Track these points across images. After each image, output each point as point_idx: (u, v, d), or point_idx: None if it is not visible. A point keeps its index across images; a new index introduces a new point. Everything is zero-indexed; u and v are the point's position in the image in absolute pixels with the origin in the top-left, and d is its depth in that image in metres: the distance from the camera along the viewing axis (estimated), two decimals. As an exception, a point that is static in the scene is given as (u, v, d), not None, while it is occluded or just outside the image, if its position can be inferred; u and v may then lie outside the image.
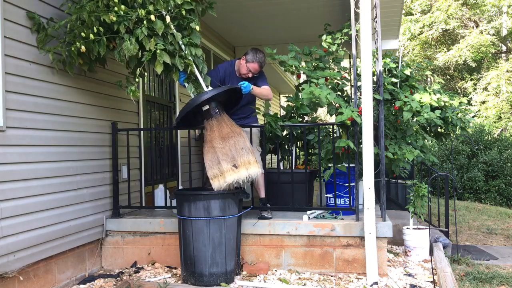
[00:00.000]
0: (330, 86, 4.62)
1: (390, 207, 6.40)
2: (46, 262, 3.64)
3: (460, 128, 5.52)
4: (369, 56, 3.95)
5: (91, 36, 3.52)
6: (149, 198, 5.13)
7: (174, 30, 3.66)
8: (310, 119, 5.64)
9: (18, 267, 3.29)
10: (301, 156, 6.82)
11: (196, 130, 6.81)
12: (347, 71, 5.24)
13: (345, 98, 4.86)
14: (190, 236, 3.77)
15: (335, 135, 4.82)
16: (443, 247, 5.06)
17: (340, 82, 4.82)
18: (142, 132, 5.12)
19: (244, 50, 5.17)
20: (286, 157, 5.32)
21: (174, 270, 4.23)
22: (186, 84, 3.92)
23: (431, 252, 4.68)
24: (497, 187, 11.95)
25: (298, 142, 5.38)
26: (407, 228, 4.85)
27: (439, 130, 5.71)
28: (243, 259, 4.19)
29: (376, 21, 4.38)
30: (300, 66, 4.76)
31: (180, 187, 5.95)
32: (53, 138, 3.72)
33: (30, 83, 3.48)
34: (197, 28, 3.81)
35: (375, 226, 3.94)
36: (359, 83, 4.21)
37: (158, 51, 3.57)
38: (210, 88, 3.97)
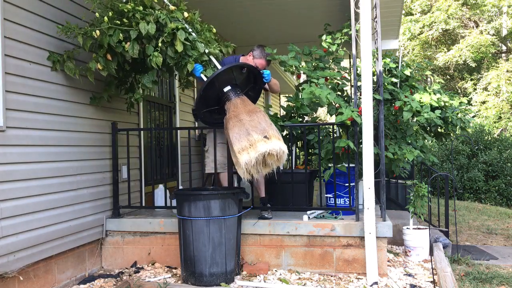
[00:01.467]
0: (330, 86, 4.62)
1: (390, 207, 6.40)
2: (46, 262, 3.64)
3: (460, 128, 5.52)
4: (369, 56, 3.95)
5: (105, 19, 3.53)
6: (149, 198, 5.13)
7: (192, 17, 3.78)
8: (310, 119, 5.64)
9: (18, 267, 3.29)
10: (301, 156, 6.83)
11: (196, 130, 6.81)
12: (347, 71, 5.24)
13: (345, 98, 4.87)
14: (190, 236, 3.76)
15: (335, 135, 4.82)
16: (443, 247, 5.06)
17: (340, 82, 4.82)
18: (142, 132, 5.12)
19: (244, 50, 5.17)
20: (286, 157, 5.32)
21: (174, 270, 4.23)
22: (203, 76, 3.87)
23: (431, 252, 4.68)
24: (497, 187, 11.95)
25: (298, 142, 5.38)
26: (407, 228, 4.85)
27: (439, 130, 5.71)
28: (243, 259, 4.18)
29: (376, 21, 4.38)
30: (300, 66, 4.75)
31: (180, 187, 5.95)
32: (53, 138, 3.72)
33: (30, 83, 3.48)
34: (214, 29, 3.95)
35: (375, 226, 3.94)
36: (359, 83, 4.21)
37: (179, 31, 3.60)
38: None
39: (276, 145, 3.47)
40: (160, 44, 3.63)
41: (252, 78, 4.17)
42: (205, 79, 3.87)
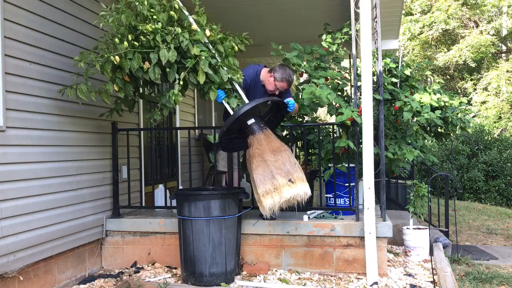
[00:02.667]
0: (330, 86, 4.62)
1: (390, 207, 6.40)
2: (46, 262, 3.64)
3: (460, 128, 5.52)
4: (369, 56, 3.95)
5: (125, 44, 3.38)
6: (149, 198, 5.13)
7: (216, 40, 3.61)
8: (310, 119, 5.64)
9: (18, 267, 3.29)
10: (301, 156, 6.82)
11: (196, 130, 6.82)
12: (347, 71, 5.24)
13: (345, 98, 4.87)
14: (190, 236, 3.76)
15: (335, 135, 4.82)
16: (443, 247, 5.06)
17: (340, 82, 4.83)
18: (142, 132, 5.12)
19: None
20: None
21: (174, 270, 4.23)
22: (225, 102, 3.76)
23: (431, 252, 4.68)
24: (497, 187, 11.95)
25: (298, 142, 5.38)
26: (407, 228, 4.85)
27: (439, 130, 5.72)
28: (243, 259, 4.18)
29: (376, 21, 4.38)
30: (303, 64, 4.76)
31: (180, 187, 5.95)
32: (53, 138, 3.71)
33: (30, 83, 3.48)
34: (236, 48, 3.78)
35: (375, 226, 3.94)
36: (359, 83, 4.21)
37: (203, 57, 3.46)
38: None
39: (301, 189, 3.46)
40: (182, 75, 3.51)
41: (275, 106, 3.99)
42: (227, 106, 3.75)
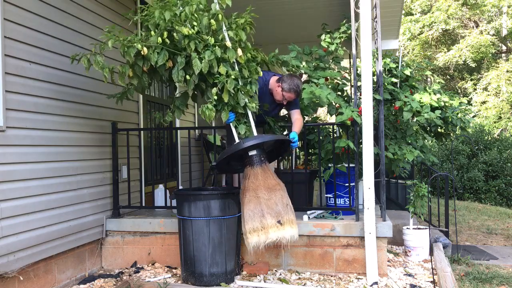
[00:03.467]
0: (330, 86, 4.62)
1: (390, 207, 6.40)
2: (46, 262, 3.64)
3: (460, 128, 5.53)
4: (369, 56, 3.95)
5: (159, 39, 3.37)
6: (149, 198, 5.13)
7: (244, 63, 3.58)
8: (310, 119, 5.64)
9: (18, 267, 3.29)
10: (301, 156, 6.83)
11: (196, 130, 6.81)
12: (347, 71, 5.24)
13: (345, 98, 4.87)
14: (190, 236, 3.76)
15: (335, 135, 4.82)
16: (443, 247, 5.06)
17: (340, 82, 4.83)
18: (142, 132, 5.12)
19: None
20: (286, 157, 5.33)
21: (174, 270, 4.23)
22: (233, 126, 3.73)
23: (431, 252, 4.68)
24: (497, 187, 11.95)
25: (298, 142, 5.38)
26: (407, 228, 4.85)
27: (439, 130, 5.72)
28: (243, 259, 4.18)
29: (376, 21, 4.38)
30: (302, 65, 4.75)
31: (180, 187, 5.95)
32: (53, 138, 3.72)
33: (30, 83, 3.48)
34: (260, 72, 3.77)
35: (375, 226, 3.94)
36: (359, 83, 4.21)
37: (232, 76, 3.45)
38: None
39: (288, 233, 3.48)
40: (214, 91, 3.50)
41: (280, 141, 3.95)
42: (233, 131, 3.72)
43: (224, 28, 3.61)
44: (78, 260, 4.06)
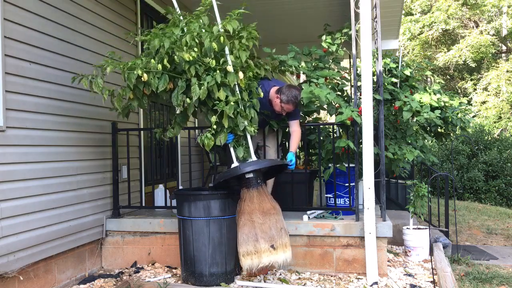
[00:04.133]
0: (330, 86, 4.62)
1: (390, 207, 6.40)
2: (46, 262, 3.64)
3: (460, 128, 5.53)
4: (369, 56, 3.95)
5: (159, 67, 3.41)
6: (149, 198, 5.13)
7: (244, 87, 3.59)
8: (311, 119, 5.64)
9: (18, 267, 3.29)
10: (301, 156, 6.83)
11: (196, 130, 6.81)
12: (347, 71, 5.24)
13: (345, 98, 4.86)
14: (190, 236, 3.76)
15: (335, 135, 4.82)
16: (443, 247, 5.06)
17: (340, 82, 4.82)
18: (142, 132, 5.12)
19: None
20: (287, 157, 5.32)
21: (174, 270, 4.23)
22: (231, 146, 3.76)
23: (431, 252, 4.68)
24: (497, 187, 11.94)
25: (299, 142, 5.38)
26: (407, 228, 4.85)
27: (439, 130, 5.72)
28: (243, 259, 4.18)
29: (376, 21, 4.38)
30: (300, 66, 4.75)
31: (180, 187, 5.95)
32: (53, 138, 3.72)
33: (30, 83, 3.48)
34: (261, 93, 3.80)
35: (375, 226, 3.94)
36: (359, 83, 4.21)
37: (231, 102, 3.46)
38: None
39: (281, 258, 3.59)
40: (213, 119, 3.53)
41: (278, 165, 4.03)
42: (232, 151, 3.76)
43: (226, 50, 3.61)
44: (78, 260, 4.06)
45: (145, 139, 5.25)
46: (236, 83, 3.56)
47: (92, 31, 4.25)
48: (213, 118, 3.55)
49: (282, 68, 4.75)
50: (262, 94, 3.87)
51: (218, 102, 3.51)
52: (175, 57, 3.47)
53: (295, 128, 4.23)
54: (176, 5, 3.81)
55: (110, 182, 4.49)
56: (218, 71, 3.47)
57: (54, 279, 3.74)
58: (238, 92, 3.62)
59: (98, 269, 4.36)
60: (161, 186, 5.00)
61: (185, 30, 3.54)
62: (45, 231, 3.58)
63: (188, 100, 3.51)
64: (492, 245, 5.92)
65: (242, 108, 3.63)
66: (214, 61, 3.49)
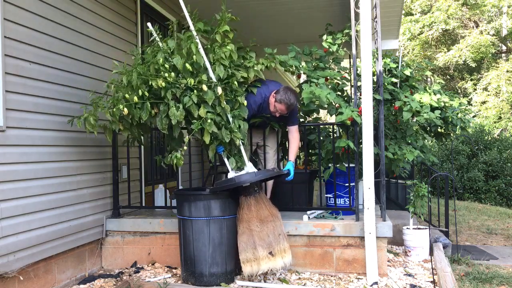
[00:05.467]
0: (330, 86, 4.62)
1: (390, 207, 6.40)
2: (46, 262, 3.64)
3: (460, 128, 5.52)
4: (369, 56, 3.95)
5: (135, 99, 3.49)
6: (149, 198, 5.13)
7: (224, 102, 3.62)
8: (311, 119, 5.64)
9: (18, 267, 3.29)
10: (301, 156, 6.82)
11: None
12: (347, 71, 5.23)
13: (345, 98, 4.86)
14: (190, 236, 3.76)
15: (335, 135, 4.82)
16: (443, 247, 5.06)
17: (340, 82, 4.82)
18: (142, 132, 5.11)
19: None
20: (287, 157, 5.32)
21: (174, 270, 4.23)
22: (224, 156, 3.81)
23: (431, 252, 4.68)
24: (497, 187, 11.94)
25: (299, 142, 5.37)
26: (407, 228, 4.85)
27: (439, 130, 5.71)
28: (243, 259, 4.18)
29: (376, 21, 4.38)
30: (301, 66, 4.75)
31: (180, 187, 5.95)
32: (53, 138, 3.72)
33: (30, 83, 3.48)
34: (244, 102, 3.81)
35: (375, 226, 3.94)
36: (359, 83, 4.21)
37: (208, 120, 3.50)
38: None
39: (279, 264, 3.70)
40: (186, 139, 3.62)
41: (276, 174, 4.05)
42: (226, 161, 3.81)
43: (204, 62, 3.65)
44: (78, 260, 4.06)
45: (145, 139, 5.24)
46: (216, 98, 3.59)
47: (92, 31, 4.25)
48: (186, 138, 3.66)
49: (284, 68, 4.73)
50: (245, 103, 3.84)
51: (194, 122, 3.56)
52: (153, 83, 3.52)
53: (294, 135, 4.26)
54: (151, 27, 3.89)
55: (110, 182, 4.48)
56: (194, 91, 3.53)
57: (54, 279, 3.74)
58: (220, 107, 3.64)
59: (98, 269, 4.36)
60: (161, 186, 5.00)
61: (156, 56, 3.62)
62: (45, 231, 3.58)
63: (173, 121, 3.55)
64: (492, 245, 5.92)
65: (226, 121, 3.67)
66: (192, 79, 3.53)
